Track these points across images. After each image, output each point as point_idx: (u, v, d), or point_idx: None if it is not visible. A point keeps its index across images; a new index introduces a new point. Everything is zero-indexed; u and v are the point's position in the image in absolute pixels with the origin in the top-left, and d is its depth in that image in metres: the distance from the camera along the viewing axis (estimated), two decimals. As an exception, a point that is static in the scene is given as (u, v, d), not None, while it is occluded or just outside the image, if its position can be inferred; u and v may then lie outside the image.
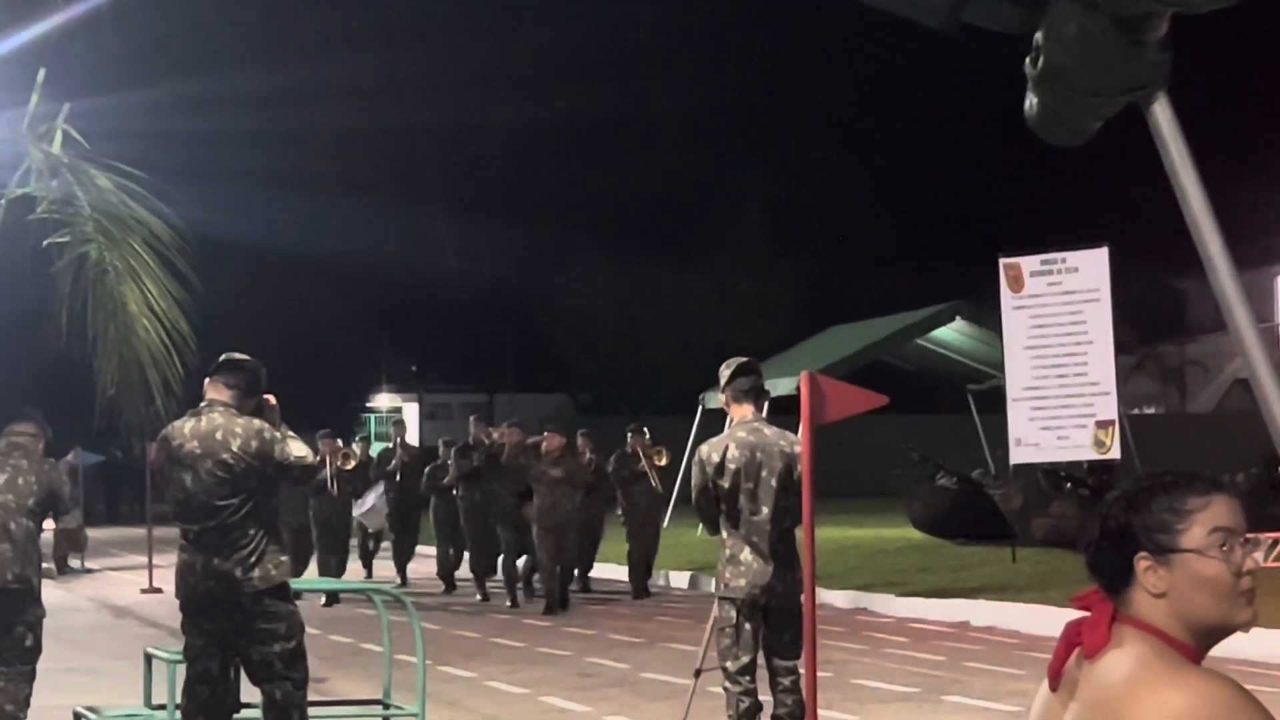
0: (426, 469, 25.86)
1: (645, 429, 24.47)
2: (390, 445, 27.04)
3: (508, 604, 22.73)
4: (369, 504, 26.56)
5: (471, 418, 25.27)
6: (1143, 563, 3.16)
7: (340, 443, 25.00)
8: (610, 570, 25.94)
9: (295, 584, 9.87)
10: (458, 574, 25.53)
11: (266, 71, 50.88)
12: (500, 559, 23.65)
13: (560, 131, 67.25)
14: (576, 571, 24.07)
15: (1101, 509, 3.27)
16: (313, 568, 24.55)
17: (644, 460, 23.82)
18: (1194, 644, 3.14)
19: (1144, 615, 3.15)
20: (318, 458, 9.80)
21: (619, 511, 24.38)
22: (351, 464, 24.55)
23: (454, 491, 24.53)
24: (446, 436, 27.13)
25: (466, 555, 24.94)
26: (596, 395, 65.14)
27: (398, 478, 26.09)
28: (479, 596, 23.91)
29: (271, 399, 9.71)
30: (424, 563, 27.42)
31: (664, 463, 24.08)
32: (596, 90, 67.07)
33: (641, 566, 24.04)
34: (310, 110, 55.05)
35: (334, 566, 24.20)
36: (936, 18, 3.26)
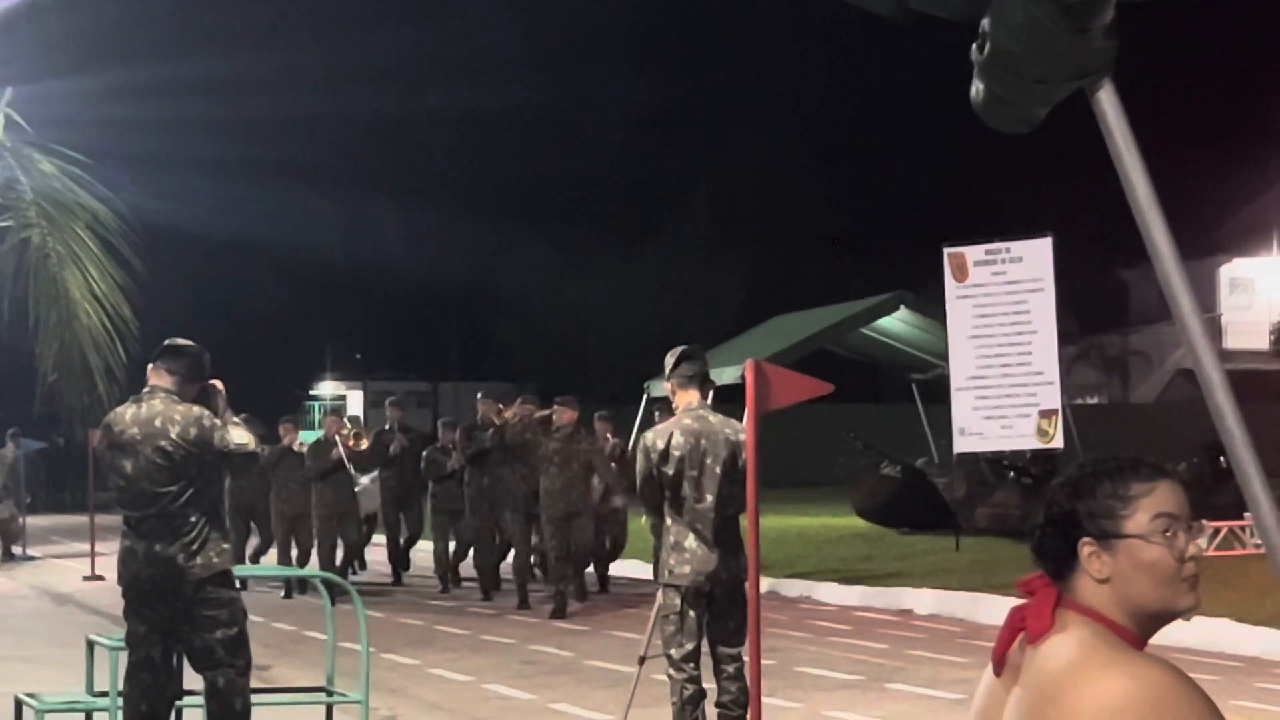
0: (424, 452, 23.81)
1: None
2: (387, 427, 24.65)
3: (516, 604, 20.66)
4: (362, 484, 24.64)
5: (479, 394, 22.98)
6: (1086, 548, 3.17)
7: (347, 421, 23.18)
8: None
9: (238, 570, 9.81)
10: (461, 567, 23.62)
11: (211, 58, 50.75)
12: (511, 552, 21.70)
13: (505, 119, 67.20)
14: (594, 571, 22.55)
15: (1047, 494, 3.29)
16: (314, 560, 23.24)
17: None
18: (1137, 629, 3.16)
19: (1087, 601, 3.16)
20: (260, 445, 9.72)
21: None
22: (365, 443, 22.69)
23: (461, 477, 22.53)
24: (447, 417, 25.11)
25: (472, 550, 22.75)
26: (541, 384, 65.05)
27: (396, 463, 24.15)
28: (482, 595, 21.90)
29: (218, 384, 9.66)
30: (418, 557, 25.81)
31: None
32: (541, 78, 67.07)
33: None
34: (255, 97, 54.96)
35: (348, 555, 22.97)
36: (884, 5, 3.26)
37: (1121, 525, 3.17)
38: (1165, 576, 3.17)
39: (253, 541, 24.95)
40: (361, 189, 66.91)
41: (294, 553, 23.72)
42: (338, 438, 22.46)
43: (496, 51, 69.30)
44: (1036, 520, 3.28)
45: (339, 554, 23.09)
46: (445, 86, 65.00)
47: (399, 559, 24.71)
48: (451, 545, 23.55)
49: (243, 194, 55.42)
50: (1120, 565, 3.16)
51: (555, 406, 20.58)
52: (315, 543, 23.07)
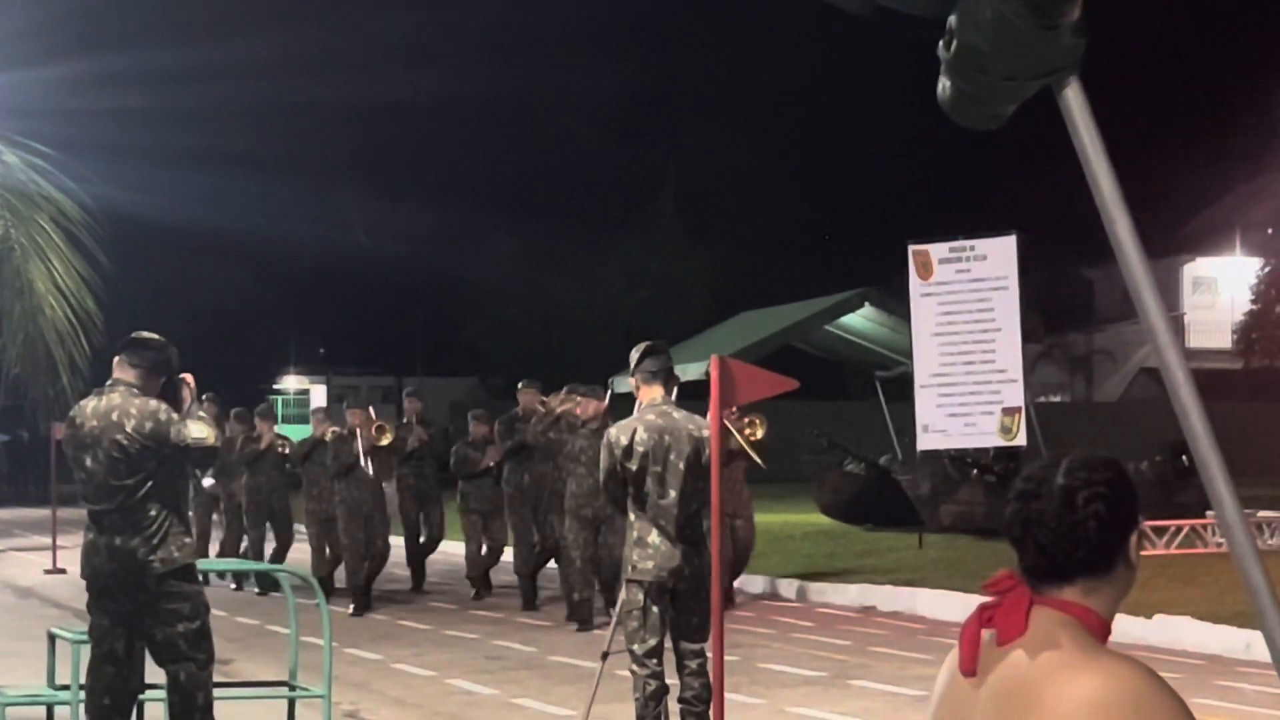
0: (454, 448, 21.76)
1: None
2: (404, 420, 22.47)
3: (573, 624, 18.56)
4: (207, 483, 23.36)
5: (521, 384, 20.73)
6: (1135, 539, 3.22)
7: (372, 412, 20.73)
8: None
9: (201, 564, 9.77)
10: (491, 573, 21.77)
11: (176, 48, 50.57)
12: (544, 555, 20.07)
13: (473, 111, 67.17)
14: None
15: (1082, 491, 3.20)
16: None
17: (737, 436, 18.77)
18: (1111, 619, 3.21)
19: (1085, 596, 3.18)
20: (219, 439, 9.65)
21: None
22: (387, 438, 20.36)
23: (497, 475, 20.89)
24: (477, 410, 22.60)
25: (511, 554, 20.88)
26: (507, 379, 65.00)
27: (414, 458, 22.17)
28: (522, 603, 20.19)
29: (189, 378, 9.61)
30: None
31: (760, 435, 19.31)
32: (510, 70, 67.02)
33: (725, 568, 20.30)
34: (221, 87, 54.74)
35: (368, 561, 20.30)
36: (852, 1, 3.26)
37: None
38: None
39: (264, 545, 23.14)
40: (327, 181, 66.83)
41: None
42: (359, 429, 20.25)
43: (465, 43, 69.24)
44: (1087, 517, 3.20)
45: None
46: (413, 78, 64.94)
47: (419, 563, 22.79)
48: (483, 549, 21.70)
49: (208, 186, 55.35)
50: (1138, 552, 3.27)
51: (579, 398, 18.76)
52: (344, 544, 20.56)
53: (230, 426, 23.12)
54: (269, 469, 22.52)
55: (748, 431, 19.16)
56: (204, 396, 23.98)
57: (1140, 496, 3.25)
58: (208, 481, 23.14)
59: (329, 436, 20.87)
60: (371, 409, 20.89)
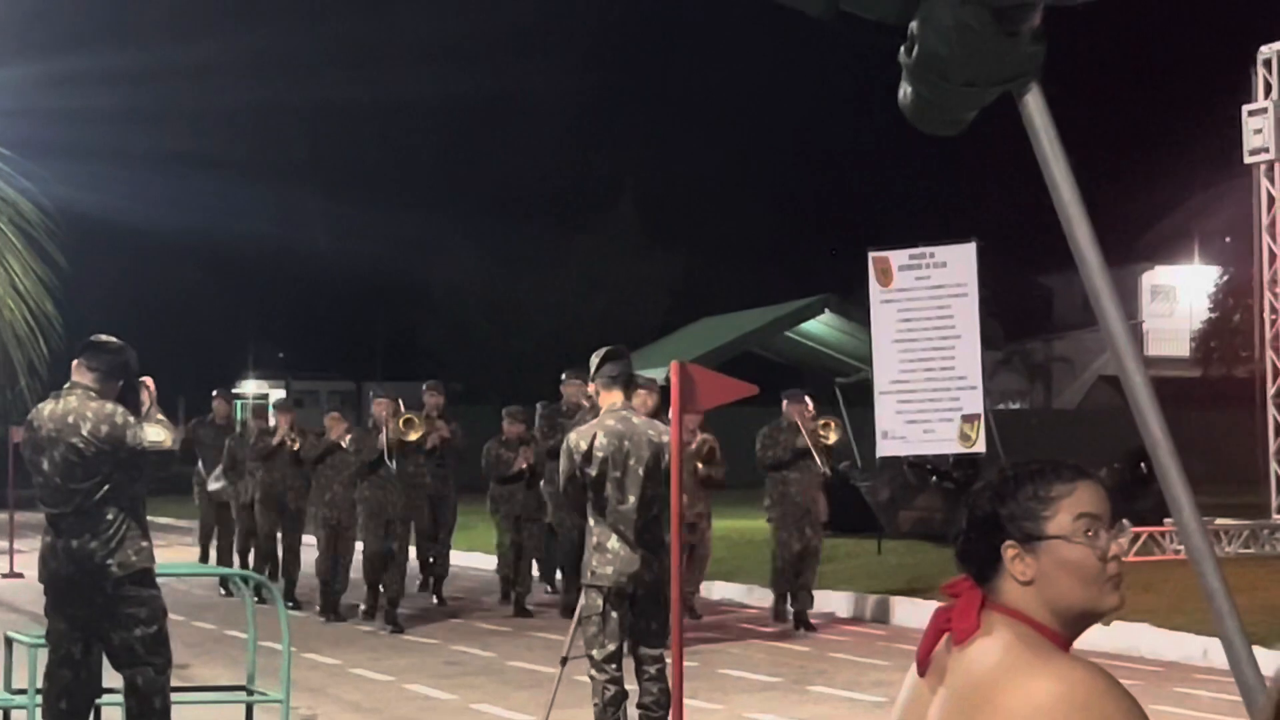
0: (485, 447, 20.41)
1: (807, 396, 19.24)
2: (425, 415, 20.35)
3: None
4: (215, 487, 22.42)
5: (565, 375, 19.22)
6: (1010, 551, 3.19)
7: (401, 404, 19.21)
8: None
9: (160, 568, 9.73)
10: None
11: (133, 49, 50.44)
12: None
13: (432, 114, 67.07)
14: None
15: (969, 499, 3.30)
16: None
17: (806, 437, 18.74)
18: (1063, 631, 3.19)
19: (1012, 603, 3.18)
20: (177, 442, 9.59)
21: (765, 502, 19.66)
22: (415, 433, 19.00)
23: (530, 478, 20.00)
24: (511, 407, 20.89)
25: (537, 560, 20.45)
26: (467, 384, 64.91)
27: (434, 457, 20.56)
28: (561, 609, 19.24)
29: (149, 382, 9.57)
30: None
31: (834, 440, 19.00)
32: (471, 73, 66.98)
33: (786, 580, 19.08)
34: (178, 88, 54.63)
35: (391, 565, 19.00)
36: (814, 6, 3.26)
37: (1044, 526, 3.19)
38: (1089, 576, 3.20)
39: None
40: (287, 183, 66.64)
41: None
42: (385, 423, 18.82)
43: (426, 44, 69.17)
44: (960, 525, 3.30)
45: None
46: (372, 80, 64.91)
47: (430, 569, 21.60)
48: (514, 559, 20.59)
49: (166, 187, 55.17)
50: (1044, 566, 3.18)
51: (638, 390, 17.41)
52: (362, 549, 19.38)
53: (245, 422, 22.84)
54: (285, 465, 20.97)
55: (821, 433, 18.97)
56: (214, 393, 23.88)
57: (1030, 509, 3.22)
58: (214, 485, 22.35)
59: (346, 440, 19.65)
60: (400, 401, 19.32)
